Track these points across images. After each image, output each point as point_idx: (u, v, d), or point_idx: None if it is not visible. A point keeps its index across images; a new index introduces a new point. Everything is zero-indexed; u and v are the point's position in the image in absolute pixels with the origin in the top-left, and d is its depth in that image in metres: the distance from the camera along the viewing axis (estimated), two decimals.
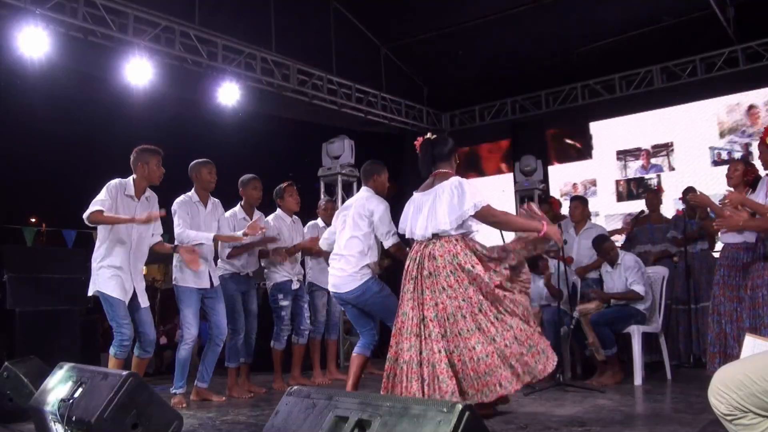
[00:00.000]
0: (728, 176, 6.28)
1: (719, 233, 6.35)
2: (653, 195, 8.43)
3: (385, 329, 5.57)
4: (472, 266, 4.62)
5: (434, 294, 4.63)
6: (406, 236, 5.06)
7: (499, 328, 4.58)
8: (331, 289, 5.69)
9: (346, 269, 5.51)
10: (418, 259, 4.77)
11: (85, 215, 5.35)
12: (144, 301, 5.63)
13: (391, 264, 8.09)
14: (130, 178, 5.61)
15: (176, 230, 5.99)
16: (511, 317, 4.66)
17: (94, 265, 5.55)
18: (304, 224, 7.52)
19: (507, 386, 4.51)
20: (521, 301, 4.76)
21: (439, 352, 4.53)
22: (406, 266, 4.89)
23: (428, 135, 5.11)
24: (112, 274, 5.46)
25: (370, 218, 5.52)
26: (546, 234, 4.75)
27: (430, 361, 4.54)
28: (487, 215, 4.70)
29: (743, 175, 6.09)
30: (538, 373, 4.63)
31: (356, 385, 5.52)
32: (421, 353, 4.60)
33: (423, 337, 4.62)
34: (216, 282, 6.19)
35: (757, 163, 5.91)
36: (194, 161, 6.26)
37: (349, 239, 5.55)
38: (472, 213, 4.64)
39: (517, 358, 4.56)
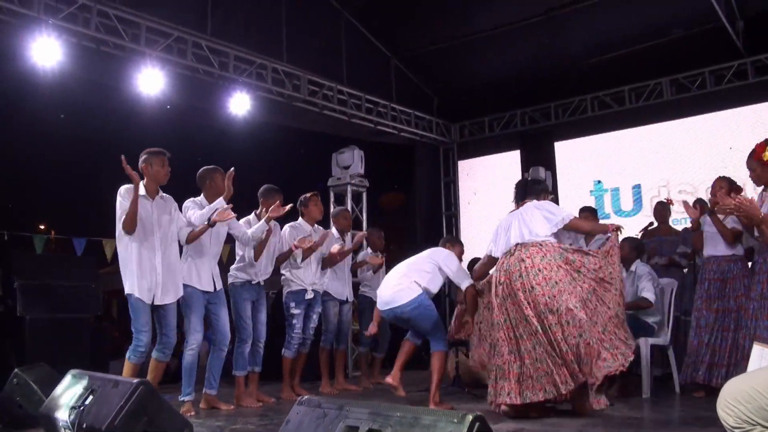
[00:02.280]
0: (712, 194, 6.32)
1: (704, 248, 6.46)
2: (662, 207, 8.41)
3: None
4: (559, 267, 5.28)
5: (524, 294, 5.23)
6: (492, 254, 5.83)
7: (566, 332, 5.11)
8: (382, 307, 6.19)
9: (395, 285, 6.12)
10: (506, 267, 5.44)
11: (119, 231, 5.53)
12: (169, 296, 5.66)
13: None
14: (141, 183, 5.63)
15: (193, 219, 5.98)
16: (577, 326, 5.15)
17: (121, 269, 5.61)
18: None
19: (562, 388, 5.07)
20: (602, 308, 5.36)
21: (548, 344, 5.13)
22: (495, 279, 5.55)
23: (528, 176, 6.23)
24: (134, 277, 5.50)
25: (439, 269, 6.19)
26: (611, 228, 5.68)
27: (548, 353, 5.13)
28: (574, 225, 5.63)
29: (728, 193, 6.11)
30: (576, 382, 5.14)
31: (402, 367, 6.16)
32: (541, 348, 5.17)
33: (535, 333, 5.18)
34: (219, 286, 6.20)
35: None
36: (204, 168, 6.28)
37: (407, 273, 6.20)
38: (564, 224, 5.49)
39: (568, 364, 5.08)
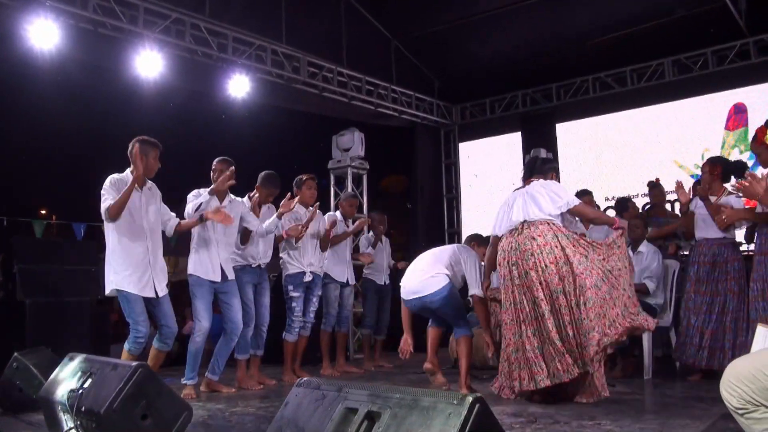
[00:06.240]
0: (702, 180, 6.34)
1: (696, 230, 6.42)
2: (656, 188, 8.31)
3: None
4: (565, 246, 5.07)
5: (537, 273, 5.06)
6: (495, 233, 5.62)
7: (579, 315, 4.95)
8: (408, 296, 6.08)
9: (423, 274, 6.02)
10: (514, 246, 5.22)
11: (102, 213, 5.36)
12: (162, 290, 5.57)
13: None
14: (128, 171, 5.53)
15: (187, 208, 5.96)
16: (592, 304, 4.97)
17: (108, 263, 5.50)
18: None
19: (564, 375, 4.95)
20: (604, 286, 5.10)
21: (552, 329, 4.99)
22: (500, 260, 5.35)
23: (542, 154, 6.07)
24: (127, 270, 5.40)
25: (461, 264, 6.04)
26: (618, 225, 5.46)
27: (551, 339, 4.99)
28: (578, 210, 5.45)
29: (711, 173, 6.16)
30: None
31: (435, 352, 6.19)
32: (542, 334, 5.04)
33: (539, 318, 5.05)
34: (230, 276, 6.18)
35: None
36: (216, 159, 6.24)
37: (434, 263, 6.10)
38: (568, 208, 5.32)
39: (572, 350, 4.98)
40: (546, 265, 5.02)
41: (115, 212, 5.33)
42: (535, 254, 5.06)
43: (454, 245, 6.40)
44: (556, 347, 4.95)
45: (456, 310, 5.96)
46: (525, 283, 5.11)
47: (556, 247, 5.05)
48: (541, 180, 5.48)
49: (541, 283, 5.03)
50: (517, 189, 5.62)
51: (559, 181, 5.76)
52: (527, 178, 5.64)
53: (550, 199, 5.28)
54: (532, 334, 5.05)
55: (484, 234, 6.38)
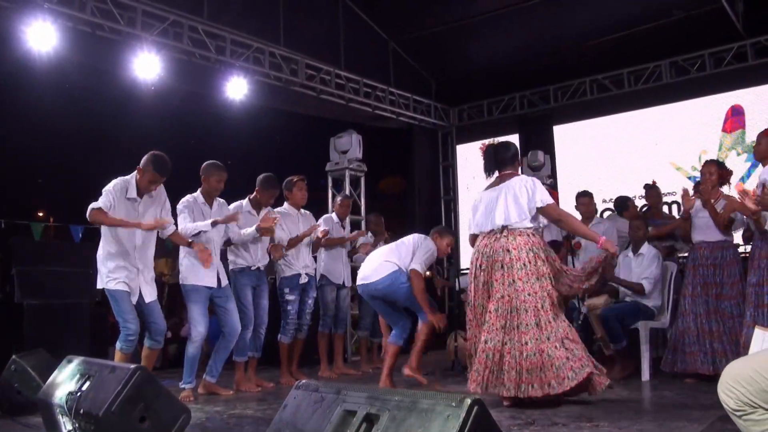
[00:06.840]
0: (702, 180, 6.30)
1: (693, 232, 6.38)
2: (653, 190, 8.32)
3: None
4: (543, 261, 4.99)
5: (503, 286, 4.96)
6: (473, 232, 5.40)
7: (554, 329, 4.85)
8: (360, 282, 6.26)
9: (374, 262, 6.19)
10: (488, 252, 5.09)
11: (89, 209, 5.26)
12: (150, 295, 5.57)
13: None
14: (133, 178, 5.50)
15: (179, 227, 5.93)
16: (563, 321, 4.97)
17: (99, 260, 5.52)
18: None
19: (555, 387, 4.78)
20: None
21: (504, 344, 4.90)
22: (473, 259, 5.22)
23: (493, 141, 5.67)
24: (116, 269, 5.41)
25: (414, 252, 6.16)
26: (603, 245, 5.07)
27: (499, 351, 4.92)
28: (552, 212, 5.14)
29: (718, 178, 6.13)
30: (581, 381, 4.83)
31: (389, 373, 6.17)
32: (487, 343, 4.97)
33: (482, 325, 5.05)
34: (225, 282, 6.18)
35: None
36: (207, 162, 6.20)
37: (388, 252, 6.28)
38: (539, 206, 5.06)
39: (562, 363, 4.78)
40: (514, 280, 4.92)
41: (95, 221, 5.32)
42: (505, 267, 4.97)
43: (414, 235, 6.44)
44: (490, 361, 4.93)
45: (405, 295, 6.05)
46: (487, 291, 5.08)
47: (530, 261, 4.94)
48: (524, 177, 5.27)
49: (503, 297, 4.95)
50: (491, 187, 5.37)
51: (554, 184, 5.66)
52: (493, 171, 5.43)
53: (530, 198, 5.07)
54: (490, 340, 4.98)
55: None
